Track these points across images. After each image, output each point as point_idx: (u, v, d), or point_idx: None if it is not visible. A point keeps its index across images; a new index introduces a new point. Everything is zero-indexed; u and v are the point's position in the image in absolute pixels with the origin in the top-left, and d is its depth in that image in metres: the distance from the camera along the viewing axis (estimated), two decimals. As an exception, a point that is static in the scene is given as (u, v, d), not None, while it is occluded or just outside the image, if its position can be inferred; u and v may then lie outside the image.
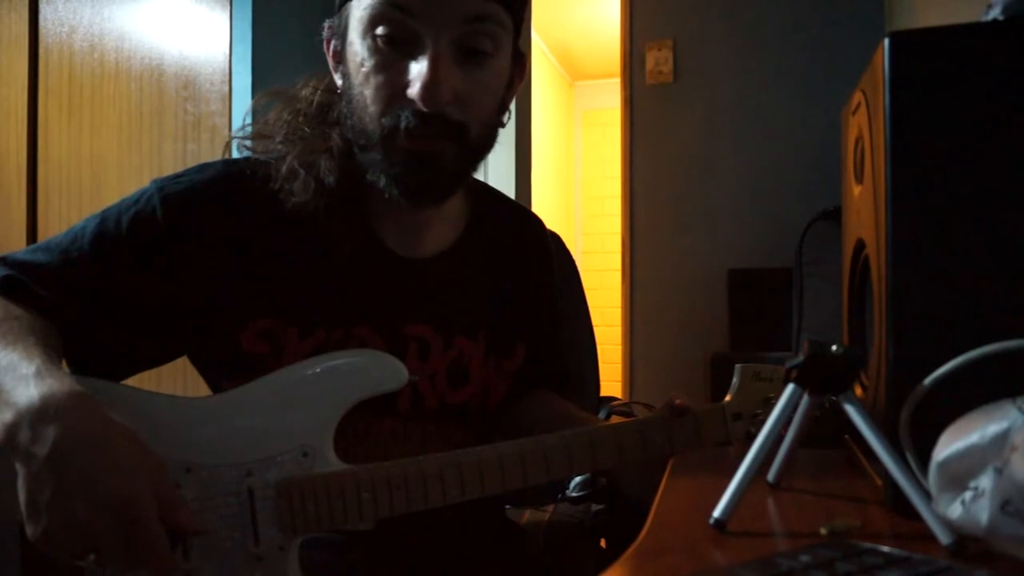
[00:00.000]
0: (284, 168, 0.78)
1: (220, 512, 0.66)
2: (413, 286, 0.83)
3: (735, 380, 0.77)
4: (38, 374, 0.59)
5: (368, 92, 0.74)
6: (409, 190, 0.75)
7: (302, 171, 0.77)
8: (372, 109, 0.74)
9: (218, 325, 0.77)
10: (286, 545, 0.67)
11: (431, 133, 0.72)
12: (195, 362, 0.82)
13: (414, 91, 0.71)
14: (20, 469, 0.57)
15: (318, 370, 0.71)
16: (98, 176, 2.26)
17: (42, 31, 2.33)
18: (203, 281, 0.76)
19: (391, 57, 0.72)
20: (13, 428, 0.57)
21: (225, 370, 0.78)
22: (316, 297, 0.78)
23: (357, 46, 0.74)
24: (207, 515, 0.65)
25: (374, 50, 0.73)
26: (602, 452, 0.73)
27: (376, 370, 0.72)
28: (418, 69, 0.71)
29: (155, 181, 0.79)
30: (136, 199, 0.78)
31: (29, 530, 0.57)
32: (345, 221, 0.80)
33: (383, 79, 0.73)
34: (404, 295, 0.82)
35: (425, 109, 0.71)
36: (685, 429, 0.75)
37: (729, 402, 0.76)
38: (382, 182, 0.75)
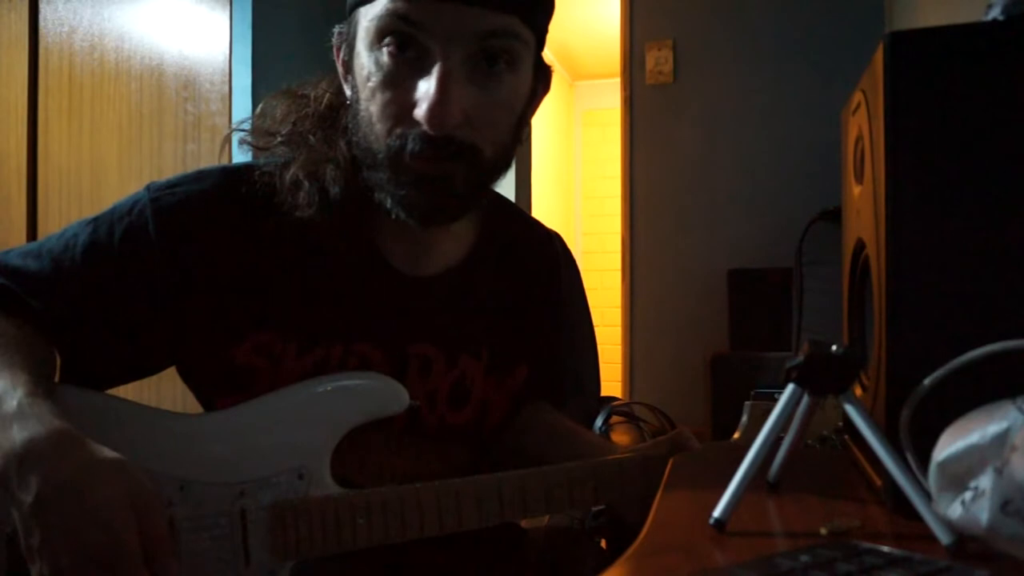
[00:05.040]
0: (288, 178, 0.75)
1: (211, 532, 0.65)
2: (417, 304, 0.81)
3: (744, 418, 0.76)
4: (20, 415, 0.58)
5: (374, 109, 0.70)
6: (417, 213, 0.71)
7: (306, 182, 0.74)
8: (378, 128, 0.70)
9: (211, 339, 0.75)
10: (276, 569, 0.66)
11: (439, 155, 0.68)
12: (185, 378, 0.80)
13: (421, 112, 0.66)
14: (13, 512, 0.57)
15: (318, 391, 0.70)
16: (98, 176, 2.26)
17: (42, 31, 2.33)
18: (197, 295, 0.74)
19: (398, 74, 0.68)
20: (2, 472, 0.57)
21: (217, 385, 0.76)
22: (316, 313, 0.76)
23: (364, 59, 0.70)
24: (198, 534, 0.64)
25: (380, 64, 0.68)
26: (605, 487, 0.73)
27: (377, 394, 0.71)
28: (426, 88, 0.66)
29: (149, 188, 0.76)
30: (129, 208, 0.76)
31: (32, 570, 0.57)
32: (349, 236, 0.77)
33: (389, 96, 0.69)
34: (408, 313, 0.80)
35: (432, 132, 0.67)
36: None
37: (738, 440, 0.76)
38: (388, 203, 0.72)
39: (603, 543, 1.08)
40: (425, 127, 0.66)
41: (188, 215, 0.75)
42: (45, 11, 2.33)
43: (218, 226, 0.75)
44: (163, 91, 2.20)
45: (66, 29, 2.31)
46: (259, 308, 0.75)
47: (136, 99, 2.24)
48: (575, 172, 5.41)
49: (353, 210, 0.76)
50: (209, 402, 0.79)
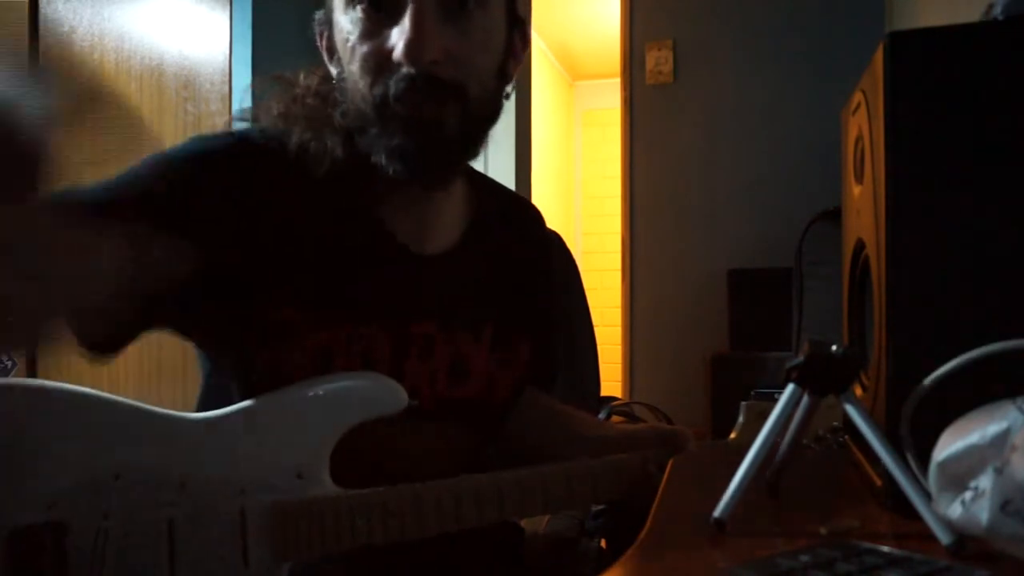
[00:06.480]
0: (294, 139, 0.75)
1: (211, 532, 0.65)
2: (422, 283, 0.81)
3: (740, 419, 0.77)
4: None
5: (356, 67, 0.71)
6: (411, 163, 0.71)
7: (313, 143, 0.74)
8: (362, 84, 0.71)
9: (230, 295, 0.72)
10: (275, 570, 0.66)
11: (425, 97, 0.69)
12: (217, 329, 0.77)
13: (398, 51, 0.68)
14: None
15: (316, 392, 0.71)
16: (98, 176, 2.26)
17: (42, 31, 2.33)
18: (227, 243, 0.71)
19: (374, 27, 0.70)
20: None
21: (253, 338, 0.73)
22: (325, 292, 0.76)
23: (342, 23, 0.72)
24: (197, 534, 0.64)
25: (356, 21, 0.70)
26: (604, 484, 0.73)
27: (375, 394, 0.71)
28: (400, 29, 0.68)
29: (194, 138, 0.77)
30: (187, 142, 0.75)
31: None
32: (355, 211, 0.77)
33: (368, 48, 0.70)
34: (413, 293, 0.80)
35: (412, 69, 0.68)
36: None
37: (734, 439, 0.76)
38: (383, 159, 0.71)
39: (603, 543, 1.08)
40: (404, 64, 0.67)
41: (234, 162, 0.74)
42: (45, 11, 2.33)
43: (250, 178, 0.74)
44: (163, 91, 2.20)
45: (66, 29, 2.31)
46: (282, 276, 0.74)
47: (136, 99, 2.24)
48: (575, 172, 5.42)
49: (357, 184, 0.76)
50: (238, 361, 0.75)
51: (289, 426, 0.69)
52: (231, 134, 0.78)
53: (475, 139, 0.76)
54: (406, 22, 0.68)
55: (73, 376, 1.70)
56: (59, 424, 0.62)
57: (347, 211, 0.77)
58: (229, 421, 0.69)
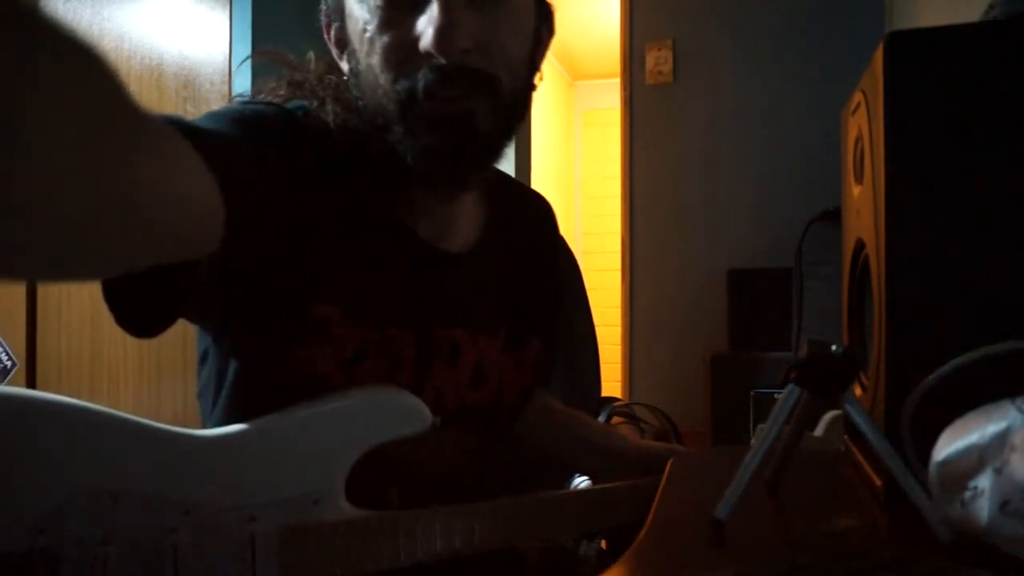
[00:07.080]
0: (329, 108, 0.70)
1: (218, 559, 0.60)
2: (447, 285, 0.78)
3: (753, 441, 0.77)
4: None
5: (376, 60, 0.66)
6: (441, 162, 0.66)
7: (353, 118, 0.70)
8: (383, 78, 0.66)
9: (282, 285, 0.67)
10: None
11: (455, 90, 0.64)
12: (251, 322, 0.71)
13: (426, 40, 0.62)
14: None
15: (334, 411, 0.67)
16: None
17: (42, 31, 2.33)
18: (278, 224, 0.65)
19: (395, 15, 0.65)
20: None
21: (291, 334, 0.69)
22: (360, 291, 0.72)
23: (356, 12, 0.67)
24: (203, 561, 0.60)
25: (375, 9, 0.65)
26: (623, 509, 0.74)
27: (399, 414, 0.68)
28: (428, 18, 0.63)
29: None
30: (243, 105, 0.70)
31: None
32: (383, 209, 0.73)
33: (389, 40, 0.65)
34: (441, 297, 0.77)
35: (442, 59, 0.63)
36: None
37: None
38: (409, 159, 0.66)
39: (603, 543, 1.08)
40: (435, 54, 0.63)
41: (287, 139, 0.69)
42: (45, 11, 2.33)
43: (301, 161, 0.69)
44: (163, 91, 2.20)
45: (66, 29, 2.31)
46: (322, 269, 0.69)
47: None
48: (575, 172, 5.42)
49: (383, 181, 0.72)
50: (276, 355, 0.69)
51: (303, 447, 0.65)
52: (279, 107, 0.72)
53: (506, 133, 0.72)
54: (434, 9, 0.63)
55: (73, 377, 1.69)
56: (49, 439, 0.56)
57: (376, 208, 0.73)
58: (240, 441, 0.64)
